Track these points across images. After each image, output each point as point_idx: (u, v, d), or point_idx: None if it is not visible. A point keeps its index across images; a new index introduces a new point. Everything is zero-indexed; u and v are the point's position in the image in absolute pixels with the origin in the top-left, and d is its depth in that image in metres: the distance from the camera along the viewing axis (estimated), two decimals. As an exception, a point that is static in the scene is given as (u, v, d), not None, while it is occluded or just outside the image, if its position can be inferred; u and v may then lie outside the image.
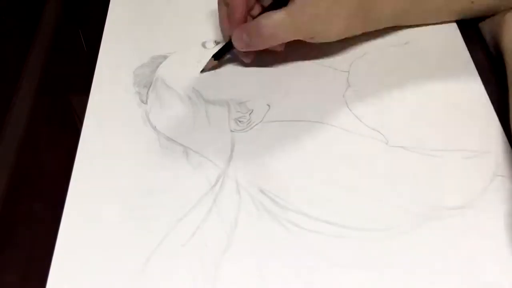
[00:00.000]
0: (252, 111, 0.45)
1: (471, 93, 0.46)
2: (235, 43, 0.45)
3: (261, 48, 0.45)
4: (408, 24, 0.50)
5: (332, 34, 0.46)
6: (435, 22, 0.51)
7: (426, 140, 0.42)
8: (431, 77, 0.47)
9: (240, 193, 0.39)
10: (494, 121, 0.44)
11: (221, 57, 0.48)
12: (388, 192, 0.39)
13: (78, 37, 0.54)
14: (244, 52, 0.46)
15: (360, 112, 0.45)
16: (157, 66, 0.49)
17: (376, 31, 0.50)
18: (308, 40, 0.46)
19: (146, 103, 0.46)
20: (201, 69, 0.48)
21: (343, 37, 0.46)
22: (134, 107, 0.46)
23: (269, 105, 0.45)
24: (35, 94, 0.49)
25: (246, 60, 0.48)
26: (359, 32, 0.47)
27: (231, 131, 0.44)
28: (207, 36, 0.51)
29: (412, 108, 0.45)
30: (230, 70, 0.48)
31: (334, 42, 0.46)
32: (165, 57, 0.50)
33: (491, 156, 0.41)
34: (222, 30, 0.50)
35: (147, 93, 0.47)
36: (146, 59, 0.50)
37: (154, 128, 0.44)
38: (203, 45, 0.51)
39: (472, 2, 0.48)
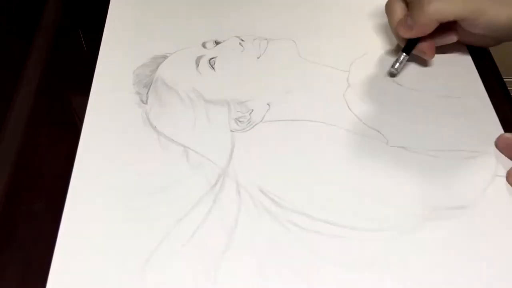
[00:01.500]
0: (252, 111, 0.45)
1: (472, 92, 0.46)
2: (400, 30, 0.45)
3: (426, 31, 0.44)
4: None
5: (502, 17, 0.43)
6: None
7: (426, 140, 0.42)
8: (431, 76, 0.47)
9: (240, 193, 0.39)
10: (494, 121, 0.44)
11: (411, 50, 0.46)
12: (388, 192, 0.39)
13: (78, 37, 0.54)
14: (427, 50, 0.46)
15: (360, 112, 0.45)
16: (157, 66, 0.49)
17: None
18: (473, 26, 0.44)
19: (146, 103, 0.46)
20: (391, 72, 0.47)
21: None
22: (134, 107, 0.46)
23: (269, 105, 0.45)
24: (35, 94, 0.49)
25: (428, 57, 0.47)
26: None
27: (231, 131, 0.44)
28: (207, 36, 0.51)
29: (412, 108, 0.45)
30: (230, 70, 0.48)
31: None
32: (165, 57, 0.50)
33: (491, 156, 0.41)
34: (397, 32, 0.46)
35: (147, 93, 0.47)
36: (146, 59, 0.50)
37: (154, 128, 0.44)
38: (203, 45, 0.51)
39: None
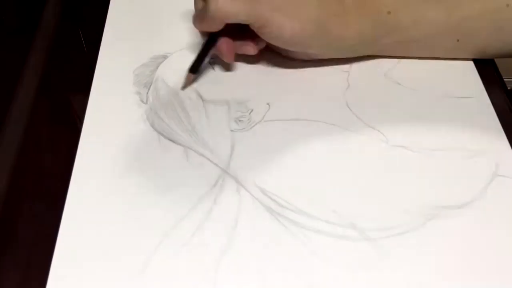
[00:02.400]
0: (252, 111, 0.45)
1: (472, 92, 0.46)
2: (194, 21, 0.46)
3: (212, 27, 0.44)
4: (382, 54, 0.48)
5: (286, 30, 0.42)
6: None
7: (426, 140, 0.42)
8: (431, 76, 0.47)
9: (240, 193, 0.39)
10: (494, 121, 0.44)
11: (197, 70, 0.46)
12: (388, 192, 0.39)
13: (78, 37, 0.54)
14: (225, 51, 0.46)
15: (360, 112, 0.45)
16: (157, 66, 0.49)
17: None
18: (260, 34, 0.43)
19: (146, 103, 0.46)
20: (181, 87, 0.46)
21: (296, 41, 0.44)
22: (134, 107, 0.46)
23: (269, 105, 0.45)
24: (35, 94, 0.49)
25: (227, 59, 0.46)
26: (318, 47, 0.45)
27: (231, 130, 0.44)
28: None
29: (412, 108, 0.45)
30: (230, 70, 0.48)
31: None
32: (165, 57, 0.50)
33: (491, 156, 0.41)
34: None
35: (147, 93, 0.47)
36: (146, 59, 0.50)
37: (154, 128, 0.44)
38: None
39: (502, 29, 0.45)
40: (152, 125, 0.44)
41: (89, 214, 0.39)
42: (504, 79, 0.48)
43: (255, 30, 0.43)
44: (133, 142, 0.43)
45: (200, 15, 0.44)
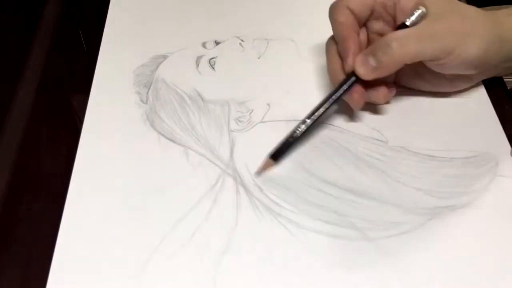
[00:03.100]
0: (252, 111, 0.45)
1: (472, 92, 0.46)
2: (359, 70, 0.40)
3: (390, 70, 0.41)
4: None
5: (472, 49, 0.39)
6: None
7: (426, 140, 0.42)
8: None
9: (240, 193, 0.39)
10: (494, 121, 0.44)
11: (280, 156, 0.41)
12: (388, 192, 0.39)
13: (78, 37, 0.54)
14: (356, 99, 0.42)
15: (361, 112, 0.45)
16: (157, 66, 0.49)
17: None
18: (440, 66, 0.40)
19: (146, 103, 0.46)
20: (256, 171, 0.41)
21: (483, 59, 0.40)
22: (134, 107, 0.46)
23: (269, 105, 0.45)
24: (35, 94, 0.49)
25: (356, 108, 0.43)
26: (496, 60, 0.42)
27: (231, 131, 0.44)
28: (207, 36, 0.51)
29: (412, 108, 0.45)
30: (230, 70, 0.48)
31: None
32: (165, 57, 0.50)
33: (491, 156, 0.41)
34: (333, 74, 0.43)
35: (147, 93, 0.47)
36: (146, 59, 0.50)
37: (154, 128, 0.44)
38: (203, 45, 0.51)
39: None
40: (152, 125, 0.44)
41: (89, 214, 0.39)
42: (504, 79, 0.48)
43: (434, 65, 0.41)
44: (133, 142, 0.43)
45: (371, 63, 0.40)
